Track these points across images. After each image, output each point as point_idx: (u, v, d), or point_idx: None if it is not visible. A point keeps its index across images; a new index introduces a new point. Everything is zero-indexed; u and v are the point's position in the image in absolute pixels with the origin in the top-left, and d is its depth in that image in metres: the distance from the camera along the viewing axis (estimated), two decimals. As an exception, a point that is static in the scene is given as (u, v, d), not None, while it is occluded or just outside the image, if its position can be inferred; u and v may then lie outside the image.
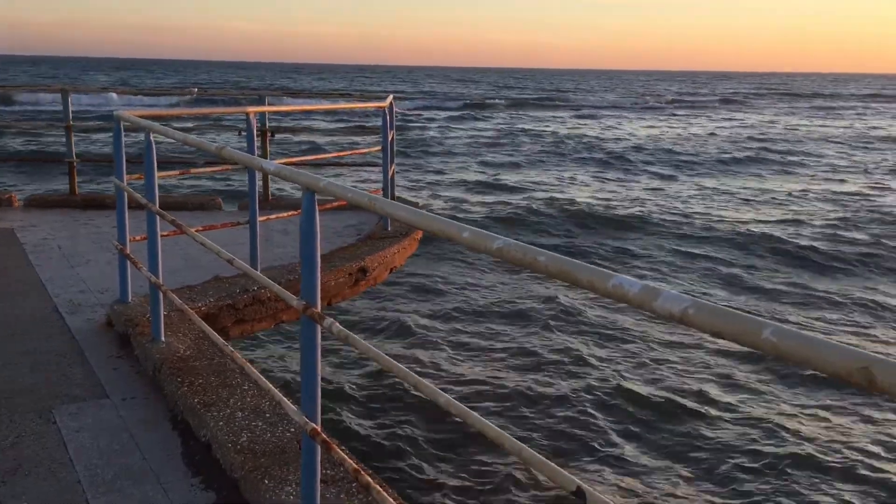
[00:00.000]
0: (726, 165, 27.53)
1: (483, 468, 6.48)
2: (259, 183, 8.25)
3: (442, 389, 2.34)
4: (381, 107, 7.62)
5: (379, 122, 7.86)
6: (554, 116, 50.52)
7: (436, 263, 12.41)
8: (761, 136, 38.82)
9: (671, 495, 6.26)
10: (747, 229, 16.32)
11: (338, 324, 2.30)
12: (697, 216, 17.81)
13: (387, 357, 2.10)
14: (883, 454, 7.01)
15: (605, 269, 1.44)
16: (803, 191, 22.32)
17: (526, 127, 41.46)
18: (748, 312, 1.27)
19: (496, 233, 1.72)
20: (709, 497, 6.26)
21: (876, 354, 1.12)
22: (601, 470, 6.61)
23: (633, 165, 27.08)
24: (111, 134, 4.78)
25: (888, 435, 7.36)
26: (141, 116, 4.64)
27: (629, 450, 6.99)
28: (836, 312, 11.08)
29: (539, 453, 1.63)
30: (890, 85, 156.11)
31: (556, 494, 6.01)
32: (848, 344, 1.14)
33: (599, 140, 35.06)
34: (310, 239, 2.46)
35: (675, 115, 55.30)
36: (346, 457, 2.32)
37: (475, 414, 1.77)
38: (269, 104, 8.54)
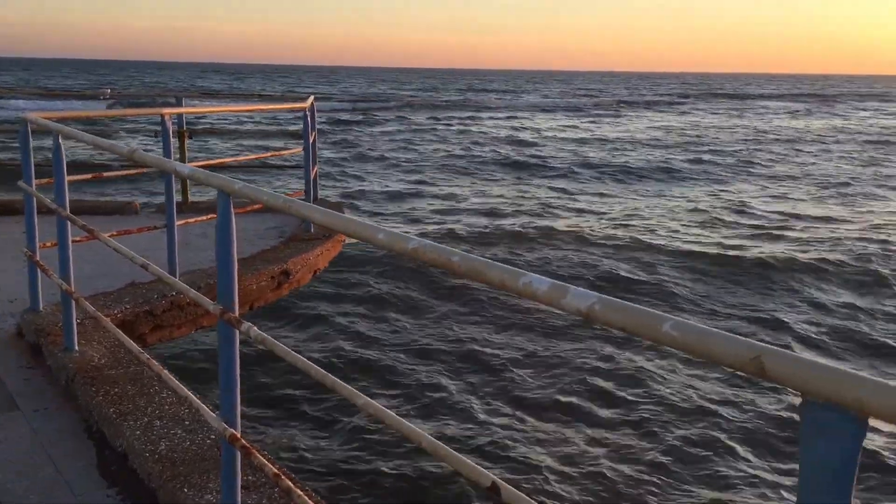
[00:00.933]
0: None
1: (403, 468, 6.50)
2: (179, 186, 8.09)
3: (363, 390, 2.34)
4: (301, 108, 7.56)
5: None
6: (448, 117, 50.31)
7: (361, 265, 12.37)
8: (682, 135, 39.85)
9: (585, 489, 6.39)
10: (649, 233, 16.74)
11: (255, 328, 2.28)
12: (586, 219, 18.14)
13: (304, 360, 2.09)
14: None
15: (515, 269, 1.48)
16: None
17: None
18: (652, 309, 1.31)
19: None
20: (623, 488, 6.42)
21: (766, 344, 1.18)
22: (517, 465, 6.69)
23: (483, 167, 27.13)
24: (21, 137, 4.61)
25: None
26: (49, 119, 4.50)
27: (544, 445, 7.09)
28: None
29: (457, 451, 1.65)
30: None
31: (473, 490, 6.08)
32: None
33: (471, 140, 35.58)
34: (226, 242, 2.43)
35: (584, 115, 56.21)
36: (266, 462, 2.30)
37: (392, 414, 1.78)
38: (187, 105, 8.37)
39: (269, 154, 8.16)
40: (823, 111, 63.44)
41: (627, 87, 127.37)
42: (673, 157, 30.09)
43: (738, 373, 1.25)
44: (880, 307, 11.36)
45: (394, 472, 6.50)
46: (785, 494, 6.36)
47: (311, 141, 7.61)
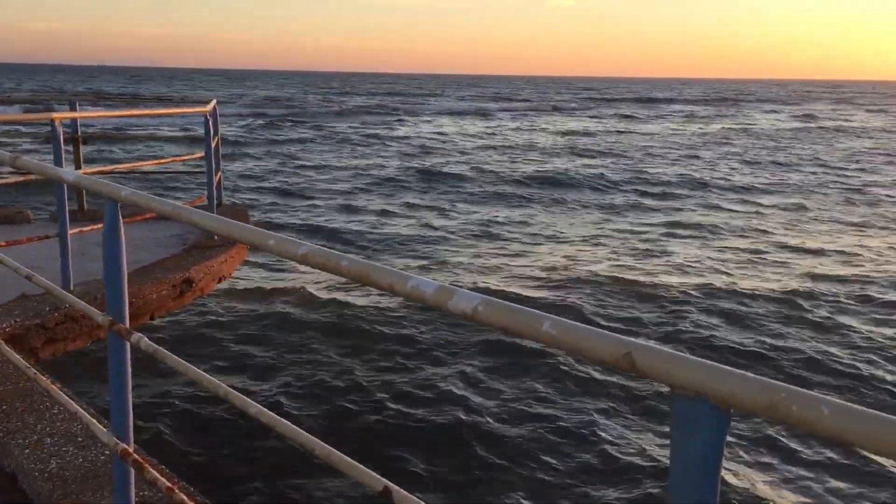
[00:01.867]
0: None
1: (298, 475, 6.44)
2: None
3: (263, 399, 2.30)
4: (202, 111, 7.39)
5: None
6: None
7: (267, 272, 12.18)
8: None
9: (476, 492, 6.45)
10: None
11: (146, 339, 2.22)
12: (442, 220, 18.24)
13: (196, 370, 2.04)
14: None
15: (403, 272, 1.48)
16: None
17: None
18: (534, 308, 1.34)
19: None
20: (517, 491, 6.50)
21: (637, 340, 1.22)
22: (410, 470, 6.70)
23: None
24: None
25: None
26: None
27: (439, 450, 7.11)
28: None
29: (350, 457, 1.65)
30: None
31: (367, 496, 6.07)
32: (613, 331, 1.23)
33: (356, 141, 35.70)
34: (114, 250, 2.35)
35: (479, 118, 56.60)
36: (158, 476, 2.23)
37: (286, 422, 1.76)
38: (82, 110, 8.06)
39: (168, 160, 7.94)
40: (702, 116, 65.58)
41: (537, 90, 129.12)
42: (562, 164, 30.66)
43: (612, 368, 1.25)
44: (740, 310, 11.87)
45: (289, 479, 6.45)
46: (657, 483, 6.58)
47: (213, 146, 7.45)
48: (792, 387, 1.07)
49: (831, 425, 1.03)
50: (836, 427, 1.03)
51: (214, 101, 8.05)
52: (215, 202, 7.61)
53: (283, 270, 12.36)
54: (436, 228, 16.88)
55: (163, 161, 8.03)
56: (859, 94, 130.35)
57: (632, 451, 7.13)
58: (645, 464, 6.87)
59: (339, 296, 11.32)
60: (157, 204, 2.19)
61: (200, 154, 7.55)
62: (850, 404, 1.04)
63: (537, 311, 1.33)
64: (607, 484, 6.61)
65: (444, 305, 1.43)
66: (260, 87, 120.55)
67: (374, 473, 1.55)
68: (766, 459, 7.06)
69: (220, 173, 8.52)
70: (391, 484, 1.50)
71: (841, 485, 6.63)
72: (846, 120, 61.94)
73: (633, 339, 1.22)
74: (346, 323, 10.38)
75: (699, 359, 1.15)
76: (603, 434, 7.42)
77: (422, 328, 10.10)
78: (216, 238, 7.14)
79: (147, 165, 8.38)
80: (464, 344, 9.60)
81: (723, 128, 50.96)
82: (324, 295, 11.33)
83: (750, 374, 1.12)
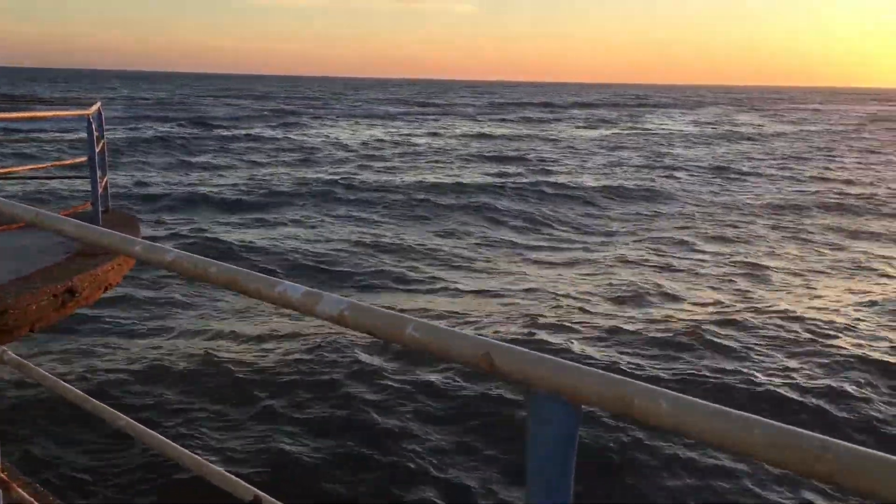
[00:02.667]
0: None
1: (170, 486, 6.30)
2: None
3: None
4: (84, 114, 7.10)
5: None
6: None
7: (155, 280, 11.81)
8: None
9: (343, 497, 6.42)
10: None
11: (10, 352, 2.12)
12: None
13: (63, 384, 1.97)
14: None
15: (270, 277, 1.48)
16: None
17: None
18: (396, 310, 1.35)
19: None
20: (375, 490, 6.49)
21: (495, 340, 1.24)
22: (284, 477, 6.63)
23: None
24: None
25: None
26: None
27: (311, 456, 7.05)
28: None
29: (222, 467, 1.62)
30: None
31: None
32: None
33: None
34: None
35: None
36: (25, 495, 2.13)
37: (154, 433, 1.73)
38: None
39: (47, 165, 7.59)
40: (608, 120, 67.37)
41: (441, 94, 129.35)
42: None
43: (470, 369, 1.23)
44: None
45: (161, 491, 6.30)
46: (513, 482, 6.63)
47: (97, 149, 7.17)
48: (637, 382, 1.12)
49: (670, 418, 1.07)
50: (674, 419, 1.07)
51: (99, 104, 7.76)
52: (100, 209, 7.33)
53: (172, 277, 12.01)
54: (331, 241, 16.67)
55: (40, 166, 7.68)
56: (750, 99, 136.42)
57: (491, 451, 7.17)
58: (504, 461, 6.92)
59: (230, 304, 11.07)
60: (20, 211, 2.10)
61: (82, 158, 7.26)
62: (688, 397, 1.09)
63: (401, 315, 1.35)
64: (469, 482, 6.63)
65: (312, 310, 1.44)
66: (149, 88, 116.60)
67: (244, 483, 1.53)
68: (618, 456, 7.15)
69: (105, 179, 8.21)
70: (261, 492, 1.49)
71: (691, 482, 6.77)
72: (733, 124, 64.65)
73: (492, 339, 1.25)
74: (226, 332, 10.17)
75: (553, 357, 1.19)
76: (464, 437, 7.40)
77: (309, 330, 10.00)
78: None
79: (22, 171, 7.99)
80: (337, 345, 9.54)
81: (615, 133, 52.38)
82: (209, 302, 11.07)
83: (599, 371, 1.17)
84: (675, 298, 12.07)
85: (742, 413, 1.06)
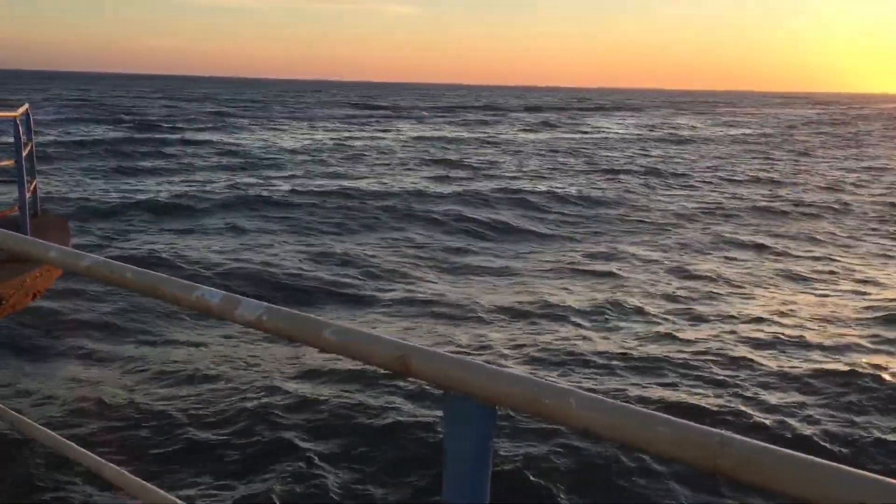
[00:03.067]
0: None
1: (86, 495, 6.10)
2: None
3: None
4: (10, 117, 6.92)
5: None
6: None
7: (87, 286, 11.50)
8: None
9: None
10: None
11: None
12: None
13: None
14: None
15: (188, 282, 1.47)
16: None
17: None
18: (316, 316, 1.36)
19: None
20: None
21: (412, 343, 1.27)
22: (199, 483, 6.49)
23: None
24: None
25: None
26: None
27: (225, 460, 6.89)
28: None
29: (139, 476, 1.61)
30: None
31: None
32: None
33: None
34: None
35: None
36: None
37: (74, 444, 1.70)
38: None
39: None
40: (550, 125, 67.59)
41: (382, 96, 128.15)
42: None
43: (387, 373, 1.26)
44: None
45: (57, 489, 6.12)
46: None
47: (24, 153, 6.99)
48: (547, 382, 1.15)
49: (579, 416, 1.09)
50: (583, 418, 1.09)
51: (27, 106, 7.57)
52: (28, 214, 7.14)
53: (107, 286, 11.66)
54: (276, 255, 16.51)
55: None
56: (686, 103, 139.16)
57: (409, 454, 6.94)
58: (421, 464, 6.71)
59: (171, 314, 10.85)
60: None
61: (9, 162, 7.07)
62: (597, 396, 1.11)
63: (319, 318, 1.36)
64: (385, 486, 6.47)
65: (231, 315, 1.44)
66: (82, 90, 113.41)
67: (159, 490, 1.52)
68: (537, 456, 6.93)
69: (35, 182, 8.00)
70: (178, 500, 1.48)
71: (617, 482, 6.62)
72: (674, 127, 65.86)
73: (409, 342, 1.27)
74: (153, 335, 10.00)
75: (468, 360, 1.22)
76: (381, 442, 7.16)
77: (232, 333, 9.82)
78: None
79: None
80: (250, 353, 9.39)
81: (555, 136, 52.77)
82: (149, 311, 10.81)
83: (513, 372, 1.19)
84: (602, 307, 11.93)
85: (647, 411, 1.08)
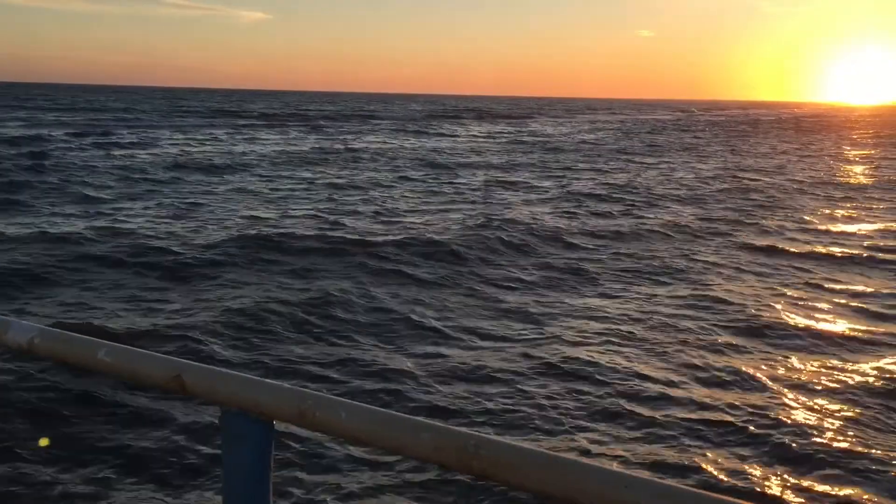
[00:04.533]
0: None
1: None
2: None
3: None
4: None
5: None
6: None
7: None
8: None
9: None
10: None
11: None
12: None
13: None
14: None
15: None
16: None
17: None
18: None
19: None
20: None
21: (188, 361, 1.25)
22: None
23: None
24: None
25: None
26: None
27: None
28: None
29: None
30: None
31: None
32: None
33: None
34: None
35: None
36: None
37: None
38: None
39: None
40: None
41: (232, 103, 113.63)
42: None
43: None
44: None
45: None
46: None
47: None
48: (319, 393, 1.15)
49: (348, 427, 1.09)
50: (352, 428, 1.09)
51: None
52: None
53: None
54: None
55: None
56: (538, 108, 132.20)
57: (187, 476, 6.06)
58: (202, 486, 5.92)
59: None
60: None
61: None
62: (367, 406, 1.13)
63: (94, 339, 1.32)
64: None
65: (2, 340, 1.37)
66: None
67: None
68: (321, 470, 6.18)
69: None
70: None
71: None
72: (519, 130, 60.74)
73: (185, 360, 1.24)
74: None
75: (242, 374, 1.22)
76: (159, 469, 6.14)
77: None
78: None
79: None
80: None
81: (400, 144, 43.79)
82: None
83: (286, 385, 1.17)
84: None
85: (411, 417, 1.09)
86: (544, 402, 7.51)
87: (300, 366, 8.31)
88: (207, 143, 39.50)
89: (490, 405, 7.39)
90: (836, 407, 7.50)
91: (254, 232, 15.02)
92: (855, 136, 67.21)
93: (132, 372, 1.27)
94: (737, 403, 7.52)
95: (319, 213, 18.18)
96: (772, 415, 7.25)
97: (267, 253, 13.31)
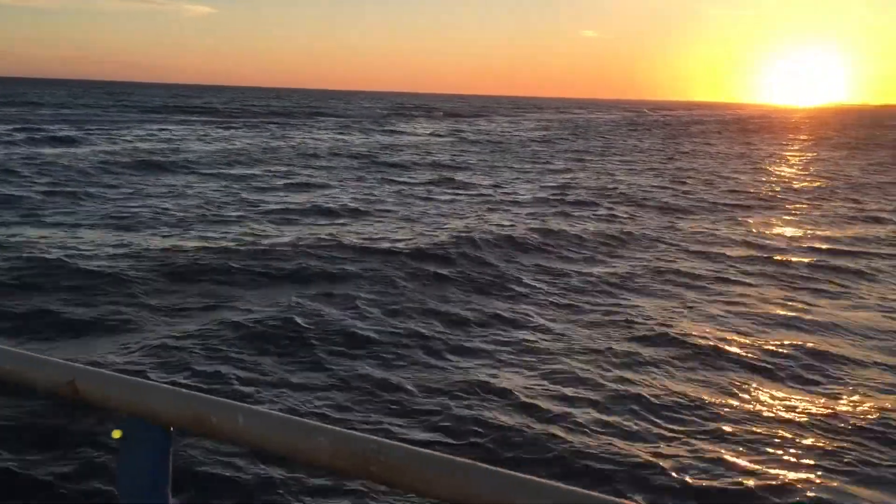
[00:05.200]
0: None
1: None
2: None
3: None
4: None
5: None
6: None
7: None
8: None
9: None
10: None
11: None
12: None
13: None
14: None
15: None
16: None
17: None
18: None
19: None
20: None
21: (82, 365, 1.21)
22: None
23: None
24: None
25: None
26: None
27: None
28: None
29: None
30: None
31: None
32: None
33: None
34: None
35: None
36: None
37: None
38: None
39: None
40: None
41: (173, 98, 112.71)
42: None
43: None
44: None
45: None
46: None
47: None
48: (218, 399, 1.12)
49: (245, 432, 1.08)
50: (250, 432, 1.07)
51: None
52: None
53: None
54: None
55: None
56: (495, 107, 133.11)
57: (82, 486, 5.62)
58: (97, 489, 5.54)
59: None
60: None
61: None
62: (265, 410, 1.10)
63: None
64: None
65: None
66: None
67: None
68: (223, 478, 5.74)
69: None
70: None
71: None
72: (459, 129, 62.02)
73: (79, 364, 1.20)
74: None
75: (138, 379, 1.18)
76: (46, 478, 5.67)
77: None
78: None
79: None
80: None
81: (353, 138, 48.90)
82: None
83: (184, 391, 1.13)
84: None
85: (309, 421, 1.06)
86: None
87: (226, 385, 7.63)
88: (145, 139, 38.51)
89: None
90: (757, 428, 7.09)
91: (178, 243, 13.85)
92: (794, 137, 68.19)
93: (20, 377, 1.22)
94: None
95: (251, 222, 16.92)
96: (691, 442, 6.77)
97: (184, 271, 11.96)
